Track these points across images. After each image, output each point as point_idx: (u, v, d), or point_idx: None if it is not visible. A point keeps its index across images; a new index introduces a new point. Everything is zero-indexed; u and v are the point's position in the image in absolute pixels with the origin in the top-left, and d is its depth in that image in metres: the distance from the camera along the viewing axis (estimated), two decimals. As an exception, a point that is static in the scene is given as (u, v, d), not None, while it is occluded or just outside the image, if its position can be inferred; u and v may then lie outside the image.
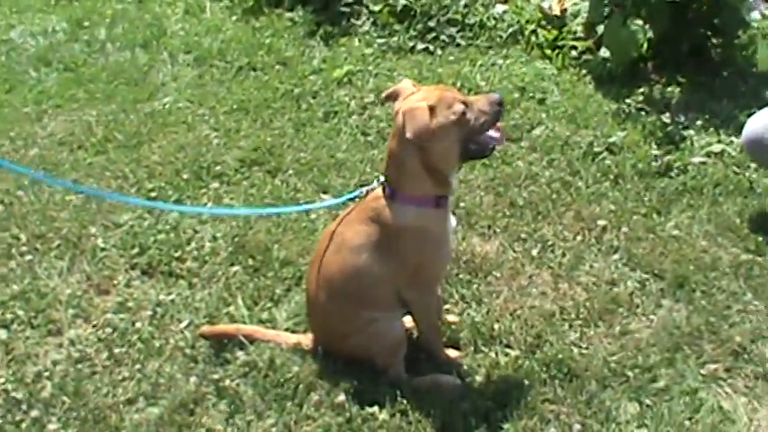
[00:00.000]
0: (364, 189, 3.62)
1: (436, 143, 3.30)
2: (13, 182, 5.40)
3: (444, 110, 3.28)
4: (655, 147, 5.35)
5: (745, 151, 4.69)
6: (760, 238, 4.47)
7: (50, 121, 6.41)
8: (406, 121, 3.24)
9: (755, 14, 6.59)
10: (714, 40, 6.41)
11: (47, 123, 6.38)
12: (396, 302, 3.57)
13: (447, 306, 4.07)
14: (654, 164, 5.15)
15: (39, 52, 7.79)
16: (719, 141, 5.34)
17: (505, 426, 3.39)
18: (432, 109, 3.25)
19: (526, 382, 3.59)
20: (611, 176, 5.08)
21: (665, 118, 5.67)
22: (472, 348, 3.83)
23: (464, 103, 3.32)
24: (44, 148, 5.94)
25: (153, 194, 5.18)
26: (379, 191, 3.48)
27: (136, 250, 4.64)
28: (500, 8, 7.16)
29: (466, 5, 7.20)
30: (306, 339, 3.82)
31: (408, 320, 3.76)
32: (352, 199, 3.73)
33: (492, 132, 3.42)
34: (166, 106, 6.47)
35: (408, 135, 3.23)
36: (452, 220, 3.60)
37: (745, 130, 4.54)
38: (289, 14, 7.83)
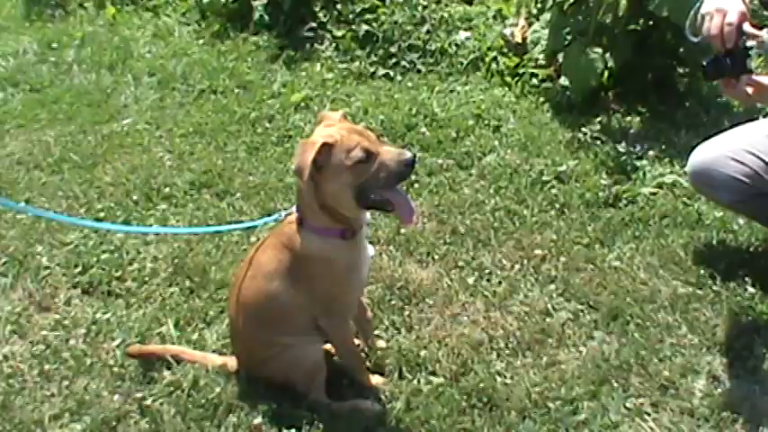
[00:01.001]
0: (283, 213, 3.61)
1: (325, 182, 3.25)
2: (-34, 201, 5.41)
3: (341, 152, 3.19)
4: (605, 176, 5.31)
5: (691, 182, 4.60)
6: (702, 271, 4.42)
7: (11, 141, 6.41)
8: (297, 152, 3.21)
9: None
10: (680, 70, 6.42)
11: (7, 143, 6.39)
12: (311, 328, 3.55)
13: (377, 332, 4.06)
14: (602, 194, 5.11)
15: (7, 73, 7.81)
16: (672, 172, 5.30)
17: (418, 454, 3.37)
18: (329, 147, 3.18)
19: (445, 410, 3.56)
20: (557, 206, 5.06)
21: (621, 147, 5.64)
22: (396, 374, 3.82)
23: (367, 151, 3.20)
24: (1, 167, 5.97)
25: (101, 215, 5.17)
26: (294, 215, 3.46)
27: (79, 269, 4.65)
28: (463, 35, 7.18)
29: (428, 32, 7.23)
30: (231, 361, 3.82)
31: (329, 345, 3.75)
32: (272, 221, 3.77)
33: (402, 201, 3.32)
34: (125, 128, 6.47)
35: (292, 167, 3.23)
36: (369, 250, 3.58)
37: (691, 160, 4.45)
38: (254, 38, 7.85)
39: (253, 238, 4.74)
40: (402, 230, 4.76)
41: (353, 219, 3.38)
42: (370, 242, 3.67)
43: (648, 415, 3.60)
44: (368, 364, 3.86)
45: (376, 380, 3.77)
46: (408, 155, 3.23)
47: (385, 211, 3.44)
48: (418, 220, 3.38)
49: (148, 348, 3.95)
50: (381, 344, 3.99)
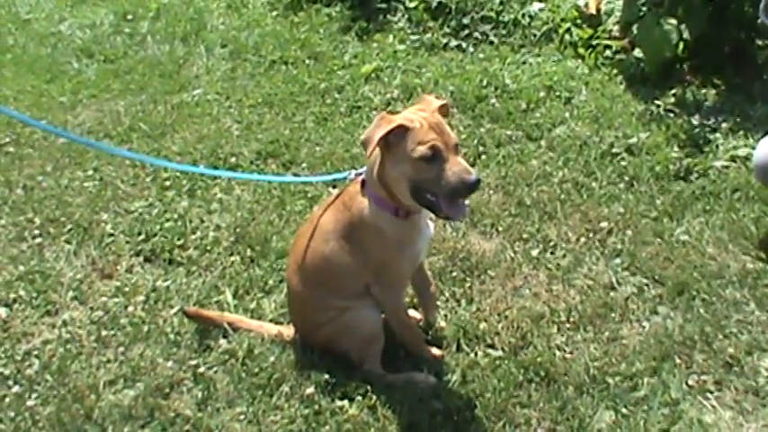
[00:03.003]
0: (353, 172, 3.57)
1: (389, 163, 3.21)
2: (38, 167, 5.53)
3: (413, 141, 3.12)
4: (677, 149, 5.19)
5: (756, 176, 4.41)
6: (773, 247, 4.29)
7: (83, 111, 6.52)
8: (373, 123, 3.17)
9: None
10: (758, 42, 6.22)
11: (79, 113, 6.49)
12: (365, 295, 3.50)
13: (437, 303, 3.99)
14: (672, 167, 5.00)
15: (83, 44, 7.95)
16: (746, 145, 5.15)
17: (470, 427, 3.33)
18: (404, 130, 3.13)
19: (501, 384, 3.50)
20: (627, 178, 4.96)
21: (694, 120, 5.51)
22: (455, 347, 3.76)
23: (436, 153, 3.12)
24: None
25: (167, 183, 5.22)
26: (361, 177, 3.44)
27: (142, 237, 4.68)
28: (536, 6, 7.07)
29: (501, 3, 7.14)
30: (287, 330, 3.80)
31: None
32: (341, 180, 3.72)
33: (455, 207, 3.21)
34: (195, 98, 6.53)
35: (362, 137, 3.18)
36: (427, 229, 3.51)
37: (756, 153, 4.28)
38: (327, 10, 7.88)
39: (316, 207, 4.71)
40: (467, 201, 4.67)
41: (409, 205, 3.31)
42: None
43: (711, 393, 3.49)
44: (426, 337, 3.81)
45: (435, 352, 3.71)
46: (473, 177, 3.10)
47: (438, 217, 3.34)
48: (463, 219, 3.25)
49: (206, 313, 3.94)
50: (440, 322, 3.93)
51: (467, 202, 3.28)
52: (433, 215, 3.35)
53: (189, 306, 4.06)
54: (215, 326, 3.88)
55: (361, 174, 3.47)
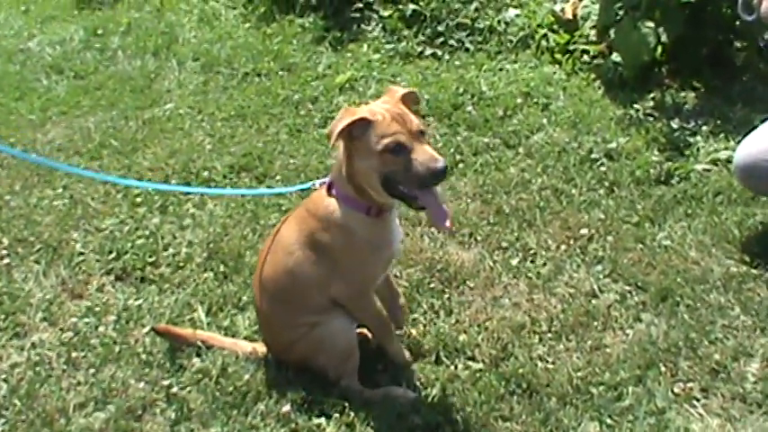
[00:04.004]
0: (317, 182, 3.50)
1: (356, 157, 3.16)
2: (6, 186, 5.45)
3: (376, 135, 3.08)
4: (657, 153, 5.12)
5: (737, 178, 4.35)
6: (756, 250, 4.21)
7: (53, 128, 6.46)
8: (337, 116, 3.13)
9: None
10: (736, 44, 6.17)
11: (48, 130, 6.43)
12: (334, 305, 3.41)
13: (415, 315, 3.93)
14: (653, 171, 4.92)
15: (53, 61, 7.91)
16: (726, 148, 5.07)
17: (451, 442, 3.23)
18: (366, 123, 3.08)
19: (482, 397, 3.40)
20: (606, 184, 4.87)
21: (674, 124, 5.44)
22: (434, 359, 3.66)
23: (400, 144, 3.06)
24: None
25: (138, 200, 5.12)
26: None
27: (113, 255, 4.58)
28: (512, 12, 7.00)
29: (476, 9, 7.07)
30: (261, 347, 3.70)
31: (365, 330, 3.65)
32: (306, 190, 3.66)
33: (433, 204, 3.15)
34: (167, 113, 6.45)
35: (327, 129, 3.11)
36: (396, 231, 3.42)
37: (737, 155, 4.23)
38: (300, 20, 7.80)
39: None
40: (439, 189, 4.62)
41: (380, 200, 3.23)
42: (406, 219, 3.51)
43: (698, 400, 3.40)
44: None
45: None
46: (440, 164, 3.04)
47: (413, 208, 3.27)
48: (453, 224, 3.17)
49: (177, 330, 3.84)
50: (414, 332, 3.84)
51: (439, 189, 3.21)
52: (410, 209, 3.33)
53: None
54: (187, 344, 3.78)
55: (324, 182, 3.39)
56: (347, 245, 3.28)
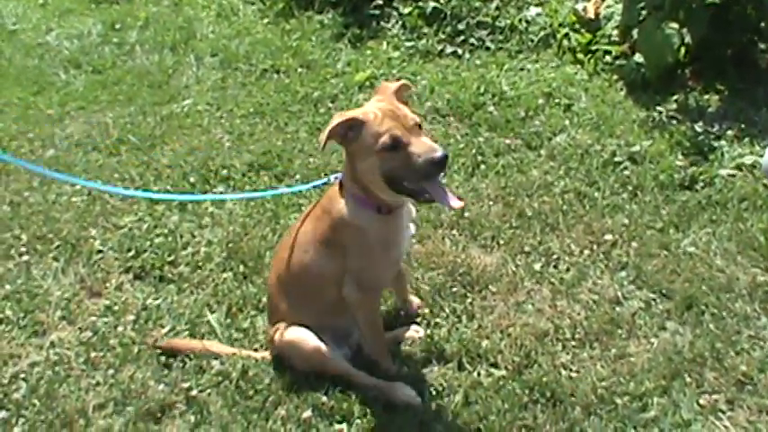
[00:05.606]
0: (332, 177, 3.52)
1: (357, 159, 3.17)
2: (25, 182, 5.41)
3: (370, 134, 3.09)
4: (681, 157, 5.06)
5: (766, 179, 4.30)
6: (783, 258, 4.15)
7: (71, 123, 6.42)
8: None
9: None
10: (761, 46, 6.11)
11: (67, 125, 6.38)
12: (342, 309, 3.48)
13: (437, 320, 3.89)
14: (677, 175, 4.86)
15: (71, 55, 7.86)
16: (752, 153, 5.01)
17: (474, 452, 3.19)
18: (359, 123, 3.10)
19: (505, 405, 3.36)
20: (630, 188, 4.82)
21: (698, 127, 5.37)
22: (456, 365, 3.63)
23: (396, 140, 3.05)
24: (60, 150, 5.94)
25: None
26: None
27: (132, 253, 4.56)
28: (534, 11, 6.95)
29: (497, 8, 7.02)
30: (262, 356, 3.72)
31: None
32: (323, 185, 3.70)
33: (439, 194, 3.13)
34: (185, 109, 6.41)
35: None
36: (408, 230, 3.44)
37: (764, 162, 4.18)
38: (319, 17, 7.76)
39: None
40: (466, 213, 4.57)
41: (388, 199, 3.24)
42: (413, 221, 3.51)
43: (723, 413, 3.35)
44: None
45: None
46: (439, 153, 3.02)
47: (420, 203, 3.32)
48: (464, 202, 3.14)
49: (178, 344, 3.83)
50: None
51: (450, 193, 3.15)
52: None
53: (180, 327, 3.97)
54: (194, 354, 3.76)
55: (339, 178, 3.41)
56: (359, 243, 3.30)
